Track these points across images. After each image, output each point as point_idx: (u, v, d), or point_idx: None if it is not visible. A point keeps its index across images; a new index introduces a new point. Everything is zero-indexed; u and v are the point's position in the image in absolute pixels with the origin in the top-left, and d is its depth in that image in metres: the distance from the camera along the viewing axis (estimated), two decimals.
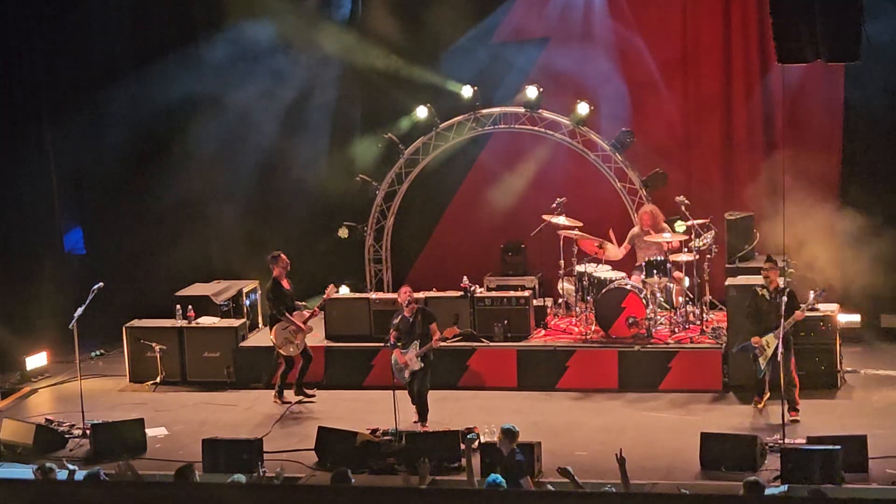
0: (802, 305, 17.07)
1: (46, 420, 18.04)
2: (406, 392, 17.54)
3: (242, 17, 21.34)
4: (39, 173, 21.79)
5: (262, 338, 20.37)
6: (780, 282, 17.25)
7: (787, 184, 20.25)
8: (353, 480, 13.53)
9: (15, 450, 17.22)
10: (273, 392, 18.77)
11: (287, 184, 21.94)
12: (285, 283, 18.83)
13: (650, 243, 19.67)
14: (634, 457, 16.25)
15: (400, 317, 17.66)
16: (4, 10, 21.28)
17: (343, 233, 21.25)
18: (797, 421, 16.84)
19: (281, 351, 18.72)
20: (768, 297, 17.08)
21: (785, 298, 16.71)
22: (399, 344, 17.50)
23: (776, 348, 16.57)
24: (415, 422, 17.42)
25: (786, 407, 16.35)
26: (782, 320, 16.53)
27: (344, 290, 20.72)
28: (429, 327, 17.55)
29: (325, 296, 19.07)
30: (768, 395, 17.34)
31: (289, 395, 18.73)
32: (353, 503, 9.54)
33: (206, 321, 20.03)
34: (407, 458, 16.00)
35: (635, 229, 19.90)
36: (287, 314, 18.61)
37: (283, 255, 18.90)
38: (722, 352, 18.41)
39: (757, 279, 17.82)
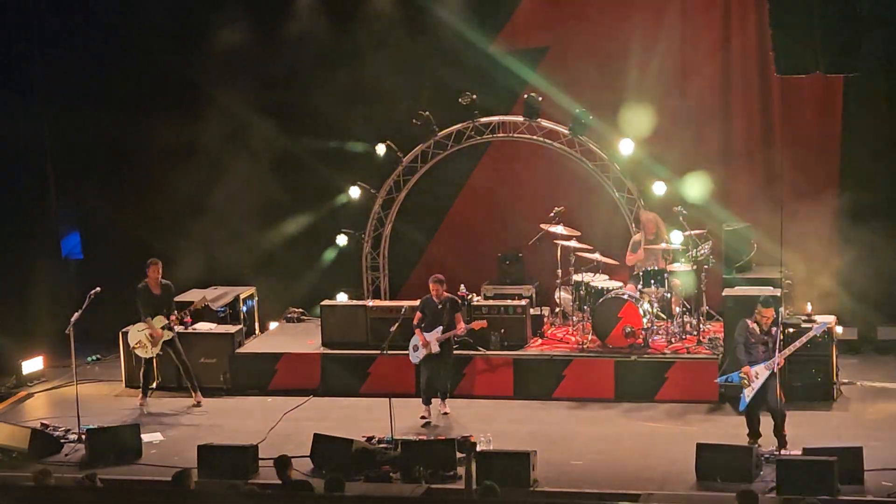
0: (796, 343, 16.71)
1: (42, 425, 18.01)
2: (401, 399, 17.52)
3: None
4: (37, 176, 21.80)
5: (259, 344, 20.37)
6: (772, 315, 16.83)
7: (785, 195, 20.27)
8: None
9: (10, 454, 17.20)
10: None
11: (286, 188, 21.96)
12: (155, 288, 18.86)
13: (650, 252, 19.67)
14: (630, 467, 16.29)
15: (426, 299, 18.11)
16: None
17: (341, 240, 21.28)
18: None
19: (135, 352, 18.94)
20: (759, 331, 16.51)
21: (778, 331, 16.48)
22: (422, 325, 17.99)
23: (765, 381, 16.30)
24: (425, 416, 17.81)
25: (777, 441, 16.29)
26: (776, 351, 16.30)
27: (341, 298, 20.72)
28: (454, 316, 17.94)
29: (170, 321, 18.86)
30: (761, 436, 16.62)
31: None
32: None
33: (203, 327, 20.02)
34: (402, 466, 16.01)
35: (639, 236, 19.84)
36: (148, 319, 18.76)
37: (152, 263, 18.96)
38: (718, 362, 18.40)
39: (753, 290, 17.85)
